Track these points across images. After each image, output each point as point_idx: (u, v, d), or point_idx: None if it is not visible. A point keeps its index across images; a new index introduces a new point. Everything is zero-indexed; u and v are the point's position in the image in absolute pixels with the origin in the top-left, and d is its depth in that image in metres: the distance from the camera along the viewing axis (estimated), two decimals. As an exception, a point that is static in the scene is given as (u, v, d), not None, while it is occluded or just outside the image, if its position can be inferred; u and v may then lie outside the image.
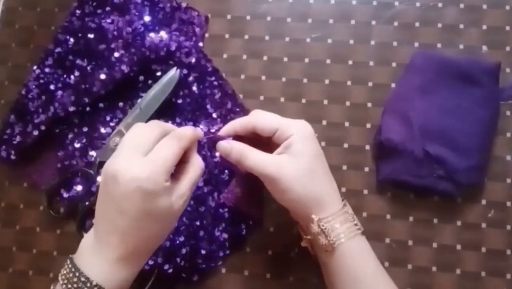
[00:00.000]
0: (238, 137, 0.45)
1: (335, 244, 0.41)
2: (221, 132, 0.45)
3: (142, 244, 0.39)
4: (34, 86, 0.56)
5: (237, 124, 0.45)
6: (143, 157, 0.38)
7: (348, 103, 0.55)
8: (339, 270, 0.42)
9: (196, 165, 0.42)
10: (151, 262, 0.50)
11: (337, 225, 0.42)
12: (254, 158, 0.43)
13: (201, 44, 0.57)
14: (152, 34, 0.55)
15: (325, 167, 0.44)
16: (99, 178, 0.53)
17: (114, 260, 0.38)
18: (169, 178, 0.39)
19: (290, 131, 0.43)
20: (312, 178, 0.43)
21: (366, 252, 0.43)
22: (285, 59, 0.56)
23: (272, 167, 0.42)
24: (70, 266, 0.38)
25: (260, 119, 0.44)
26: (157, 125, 0.42)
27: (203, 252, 0.51)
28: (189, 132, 0.42)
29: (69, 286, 0.37)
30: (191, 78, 0.55)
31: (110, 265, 0.38)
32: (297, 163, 0.42)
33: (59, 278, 0.38)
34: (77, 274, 0.37)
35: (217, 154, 0.45)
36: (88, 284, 0.37)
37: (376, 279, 0.42)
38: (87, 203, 0.53)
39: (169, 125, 0.43)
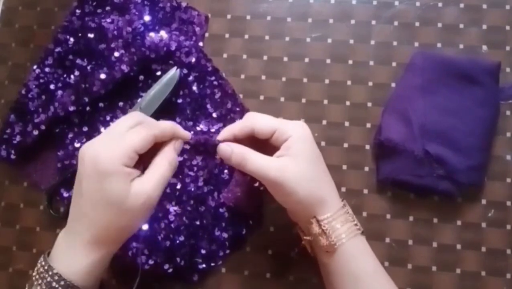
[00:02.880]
0: (235, 141, 0.45)
1: (336, 244, 0.41)
2: (220, 137, 0.44)
3: (104, 231, 0.39)
4: (34, 86, 0.56)
5: (235, 128, 0.44)
6: (110, 140, 0.39)
7: (348, 103, 0.55)
8: (340, 271, 0.42)
9: (163, 161, 0.40)
10: (151, 262, 0.50)
11: (338, 225, 0.42)
12: (256, 162, 0.42)
13: (201, 43, 0.57)
14: (152, 34, 0.55)
15: (324, 167, 0.44)
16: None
17: (79, 246, 0.39)
18: (131, 165, 0.38)
19: (288, 133, 0.43)
20: (314, 179, 0.42)
21: (367, 252, 0.43)
22: (285, 58, 0.56)
23: (274, 171, 0.41)
24: (41, 260, 0.39)
25: (258, 121, 0.44)
26: (137, 116, 0.41)
27: (203, 252, 0.51)
28: (163, 124, 0.41)
29: (40, 281, 0.38)
30: (191, 78, 0.55)
31: (74, 251, 0.39)
32: (298, 165, 0.42)
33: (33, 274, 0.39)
34: (46, 267, 0.38)
35: (218, 156, 0.45)
36: (50, 273, 0.38)
37: (377, 279, 0.42)
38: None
39: (150, 119, 0.42)
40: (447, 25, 0.55)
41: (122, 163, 0.37)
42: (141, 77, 0.55)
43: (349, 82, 0.55)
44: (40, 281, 0.38)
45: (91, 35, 0.56)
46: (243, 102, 0.55)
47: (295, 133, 0.43)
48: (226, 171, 0.53)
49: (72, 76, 0.55)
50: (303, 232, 0.45)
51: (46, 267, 0.38)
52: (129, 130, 0.39)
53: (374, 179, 0.52)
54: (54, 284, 0.38)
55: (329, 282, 0.44)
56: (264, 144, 0.44)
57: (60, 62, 0.56)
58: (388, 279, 0.43)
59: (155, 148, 0.41)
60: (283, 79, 0.56)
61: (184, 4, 0.58)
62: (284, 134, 0.43)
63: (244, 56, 0.57)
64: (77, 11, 0.58)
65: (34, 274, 0.39)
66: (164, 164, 0.40)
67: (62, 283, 0.38)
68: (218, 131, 0.53)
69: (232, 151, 0.43)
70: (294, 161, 0.42)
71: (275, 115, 0.54)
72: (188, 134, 0.43)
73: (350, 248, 0.42)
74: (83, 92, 0.54)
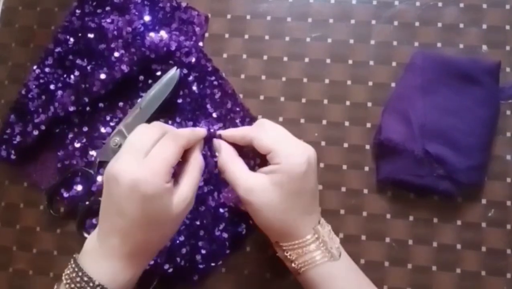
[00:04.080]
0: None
1: (300, 270, 0.42)
2: (219, 133, 0.46)
3: (143, 245, 0.39)
4: (34, 86, 0.56)
5: (238, 134, 0.45)
6: (143, 158, 0.38)
7: (348, 103, 0.55)
8: None
9: (195, 164, 0.42)
10: (151, 262, 0.50)
11: (303, 252, 0.42)
12: (232, 174, 0.43)
13: (201, 43, 0.57)
14: (152, 34, 0.55)
15: (303, 204, 0.42)
16: (99, 178, 0.53)
17: (116, 260, 0.38)
18: (170, 179, 0.39)
19: (279, 160, 0.41)
20: (281, 211, 0.41)
21: (335, 279, 0.42)
22: (285, 58, 0.56)
23: (243, 190, 0.42)
24: (73, 266, 0.38)
25: (259, 136, 0.43)
26: (159, 126, 0.41)
27: (203, 251, 0.51)
28: (187, 132, 0.43)
29: (72, 285, 0.37)
30: (191, 78, 0.55)
31: (112, 265, 0.38)
32: (268, 195, 0.41)
33: (63, 277, 0.39)
34: (80, 274, 0.38)
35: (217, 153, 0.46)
36: (91, 284, 0.37)
37: None
38: (87, 203, 0.53)
39: (170, 127, 0.43)
40: (447, 25, 0.55)
41: (165, 181, 0.38)
42: (141, 77, 0.55)
43: (349, 82, 0.55)
44: (73, 286, 0.38)
45: (91, 35, 0.56)
46: (243, 102, 0.55)
47: (286, 164, 0.41)
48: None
49: (72, 76, 0.55)
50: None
51: (80, 274, 0.38)
52: (155, 143, 0.39)
53: (374, 179, 0.52)
54: None
55: None
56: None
57: (60, 62, 0.56)
58: None
59: None
60: (283, 79, 0.56)
61: (184, 4, 0.58)
62: (276, 158, 0.42)
63: (244, 56, 0.57)
64: (77, 11, 0.58)
65: (65, 278, 0.38)
66: (196, 169, 0.42)
67: None
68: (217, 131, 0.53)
69: (220, 155, 0.45)
70: (267, 189, 0.41)
71: (275, 115, 0.55)
72: (204, 131, 0.45)
73: (317, 275, 0.42)
74: (83, 92, 0.54)
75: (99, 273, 0.38)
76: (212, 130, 0.49)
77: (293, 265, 0.42)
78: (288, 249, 0.42)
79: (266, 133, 0.43)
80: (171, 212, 0.39)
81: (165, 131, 0.41)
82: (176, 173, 0.41)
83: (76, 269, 0.38)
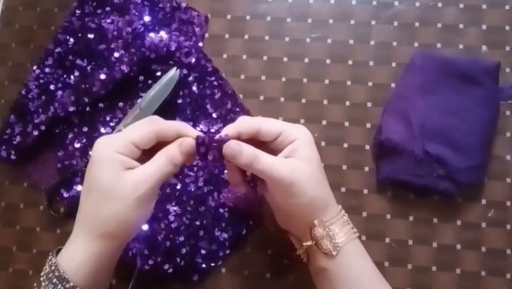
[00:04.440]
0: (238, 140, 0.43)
1: (338, 246, 0.41)
2: (225, 131, 0.42)
3: (91, 216, 0.39)
4: (34, 86, 0.56)
5: (242, 127, 0.42)
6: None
7: (348, 103, 0.55)
8: (341, 275, 0.42)
9: (161, 156, 0.40)
10: (151, 262, 0.50)
11: (339, 227, 0.42)
12: (267, 161, 0.40)
13: (201, 44, 0.57)
14: (152, 34, 0.55)
15: (323, 172, 0.44)
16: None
17: (79, 238, 0.39)
18: (129, 156, 0.39)
19: (294, 135, 0.42)
20: (319, 182, 0.43)
21: (366, 255, 0.43)
22: (285, 59, 0.56)
23: (286, 171, 0.40)
24: (50, 254, 0.40)
25: (265, 122, 0.43)
26: (151, 117, 0.42)
27: (203, 252, 0.51)
28: (168, 122, 0.41)
29: (43, 272, 0.39)
30: (191, 78, 0.55)
31: (74, 244, 0.39)
32: (308, 167, 0.42)
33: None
34: (50, 257, 0.39)
35: (209, 157, 0.41)
36: (53, 268, 0.39)
37: (376, 281, 0.42)
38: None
39: (159, 119, 0.42)
40: (447, 25, 0.55)
41: (116, 150, 0.38)
42: (141, 78, 0.55)
43: (349, 82, 0.55)
44: (42, 273, 0.39)
45: (91, 36, 0.56)
46: (243, 102, 0.55)
47: (302, 137, 0.42)
48: (226, 171, 0.53)
49: (72, 77, 0.55)
50: (299, 240, 0.44)
51: (50, 257, 0.39)
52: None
53: (374, 179, 0.52)
54: (51, 275, 0.38)
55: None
56: (262, 147, 0.43)
57: (60, 62, 0.56)
58: (385, 282, 0.43)
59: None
60: (283, 79, 0.56)
61: (184, 5, 0.58)
62: (290, 136, 0.42)
63: (244, 56, 0.57)
64: (77, 11, 0.58)
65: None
66: (161, 158, 0.40)
67: (56, 274, 0.38)
68: (218, 132, 0.53)
69: (242, 150, 0.40)
70: (303, 163, 0.41)
71: (275, 115, 0.55)
72: (194, 132, 0.42)
73: (351, 250, 0.42)
74: (83, 92, 0.54)
75: (62, 255, 0.39)
76: (212, 132, 0.48)
77: (332, 243, 0.41)
78: (331, 222, 0.41)
79: (268, 119, 0.43)
80: (116, 186, 0.38)
81: (158, 121, 0.41)
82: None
83: (50, 256, 0.40)
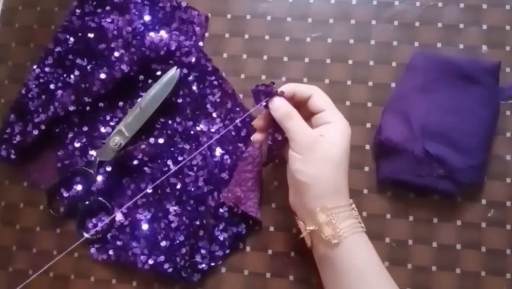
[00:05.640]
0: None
1: (341, 236, 0.41)
2: (282, 88, 0.46)
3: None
4: (34, 86, 0.56)
5: (298, 89, 0.46)
6: None
7: (348, 103, 0.55)
8: (343, 263, 0.42)
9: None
10: (151, 262, 0.50)
11: (345, 218, 0.42)
12: (296, 122, 0.44)
13: (201, 43, 0.57)
14: (152, 34, 0.55)
15: (347, 166, 0.45)
16: (99, 178, 0.53)
17: None
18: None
19: (332, 118, 0.45)
20: (338, 165, 0.44)
21: (371, 249, 0.43)
22: (285, 58, 0.56)
23: (308, 138, 0.43)
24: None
25: (319, 92, 0.46)
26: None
27: (203, 251, 0.51)
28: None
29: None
30: (191, 78, 0.55)
31: None
32: (329, 148, 0.43)
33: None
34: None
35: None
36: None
37: (380, 276, 0.42)
38: (87, 202, 0.53)
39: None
40: (447, 25, 0.55)
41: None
42: (141, 77, 0.55)
43: (349, 82, 0.55)
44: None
45: (91, 35, 0.56)
46: (243, 102, 0.55)
47: (338, 123, 0.45)
48: (226, 171, 0.53)
49: (72, 76, 0.55)
50: (304, 223, 0.45)
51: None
52: None
53: (374, 179, 0.52)
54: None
55: (329, 278, 0.43)
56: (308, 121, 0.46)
57: (60, 61, 0.56)
58: (391, 278, 0.43)
59: None
60: (283, 79, 0.56)
61: (184, 4, 0.58)
62: (329, 117, 0.45)
63: (244, 56, 0.57)
64: (77, 10, 0.58)
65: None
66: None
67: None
68: (218, 131, 0.54)
69: (281, 105, 0.45)
70: (327, 144, 0.43)
71: (275, 115, 0.54)
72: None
73: (355, 241, 0.42)
74: (83, 92, 0.54)
75: None
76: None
77: (334, 231, 0.41)
78: (335, 212, 0.42)
79: (321, 93, 0.47)
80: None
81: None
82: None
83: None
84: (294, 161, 0.44)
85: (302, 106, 0.46)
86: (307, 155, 0.43)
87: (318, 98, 0.46)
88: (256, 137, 0.48)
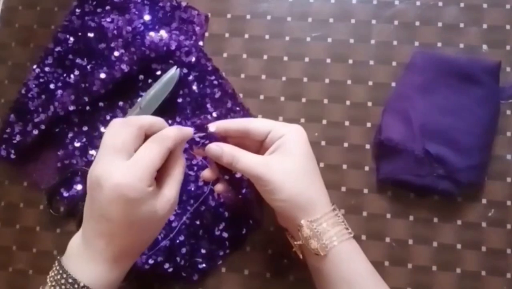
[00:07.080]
0: (222, 138, 0.44)
1: (327, 247, 0.41)
2: (212, 127, 0.44)
3: (128, 249, 0.39)
4: (34, 85, 0.56)
5: (231, 126, 0.44)
6: (125, 160, 0.37)
7: (348, 102, 0.55)
8: (332, 274, 0.41)
9: (177, 165, 0.41)
10: (151, 261, 0.50)
11: (328, 227, 0.41)
12: (245, 159, 0.42)
13: (201, 43, 0.57)
14: (152, 33, 0.55)
15: (316, 169, 0.44)
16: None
17: (101, 263, 0.38)
18: (153, 182, 0.38)
19: (282, 133, 0.43)
20: (302, 177, 0.42)
21: (358, 256, 0.42)
22: (285, 58, 0.56)
23: (261, 167, 0.41)
24: (58, 268, 0.38)
25: (254, 122, 0.44)
26: (133, 123, 0.39)
27: (203, 251, 0.51)
28: (172, 133, 0.40)
29: (58, 288, 0.37)
30: (191, 77, 0.55)
31: (97, 268, 0.38)
32: (287, 162, 0.42)
33: (48, 280, 0.38)
34: (64, 276, 0.37)
35: (198, 157, 0.46)
36: (76, 286, 0.37)
37: (370, 282, 0.42)
38: (87, 202, 0.53)
39: (145, 119, 0.40)
40: (447, 25, 0.55)
41: (147, 186, 0.37)
42: (141, 77, 0.55)
43: (349, 82, 0.55)
44: (58, 288, 0.37)
45: (91, 35, 0.56)
46: (243, 102, 0.55)
47: (289, 134, 0.43)
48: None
49: (72, 76, 0.55)
50: (293, 238, 0.44)
51: (65, 276, 0.37)
52: (135, 142, 0.38)
53: (374, 178, 0.52)
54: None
55: (321, 286, 0.43)
56: (257, 149, 0.45)
57: (60, 61, 0.56)
58: (382, 282, 0.42)
59: None
60: (283, 78, 0.56)
61: (184, 4, 0.58)
62: (278, 133, 0.43)
63: (244, 56, 0.57)
64: (77, 10, 0.58)
65: (49, 280, 0.38)
66: (179, 170, 0.41)
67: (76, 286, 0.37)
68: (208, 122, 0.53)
69: (223, 151, 0.42)
70: (283, 158, 0.42)
71: (275, 115, 0.55)
72: (190, 131, 0.43)
73: (342, 251, 0.41)
74: (83, 91, 0.54)
75: (84, 275, 0.37)
76: (195, 124, 0.49)
77: (319, 244, 0.41)
78: (318, 223, 0.41)
79: (258, 119, 0.45)
80: (155, 215, 0.38)
81: (141, 125, 0.39)
82: (158, 173, 0.40)
83: (60, 271, 0.37)
84: (263, 193, 0.43)
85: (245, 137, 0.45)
86: (271, 183, 0.41)
87: (256, 125, 0.44)
88: (206, 175, 0.47)
